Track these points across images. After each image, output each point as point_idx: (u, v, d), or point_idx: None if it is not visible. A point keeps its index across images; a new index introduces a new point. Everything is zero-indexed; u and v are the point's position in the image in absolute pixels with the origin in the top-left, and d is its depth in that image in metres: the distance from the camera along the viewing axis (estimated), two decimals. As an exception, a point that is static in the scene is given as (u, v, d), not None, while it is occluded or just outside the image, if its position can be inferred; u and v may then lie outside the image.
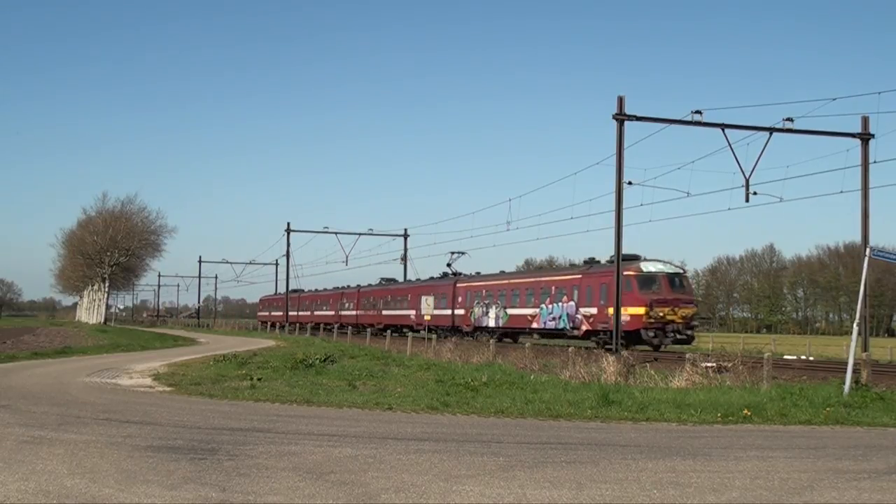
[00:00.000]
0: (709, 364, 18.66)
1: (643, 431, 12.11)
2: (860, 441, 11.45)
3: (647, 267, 34.46)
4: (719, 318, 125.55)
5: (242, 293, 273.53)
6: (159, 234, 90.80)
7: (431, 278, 54.91)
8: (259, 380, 19.29)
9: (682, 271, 36.76)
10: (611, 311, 32.21)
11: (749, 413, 13.52)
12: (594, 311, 35.50)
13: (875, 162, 28.84)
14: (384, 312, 57.98)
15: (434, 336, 41.30)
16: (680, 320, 33.19)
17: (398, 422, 12.74)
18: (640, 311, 32.87)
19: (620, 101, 27.90)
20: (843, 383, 15.86)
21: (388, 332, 45.57)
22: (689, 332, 33.77)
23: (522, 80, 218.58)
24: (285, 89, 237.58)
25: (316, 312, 74.24)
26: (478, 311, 45.17)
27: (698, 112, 28.05)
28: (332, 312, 69.16)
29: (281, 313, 77.97)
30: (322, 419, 12.91)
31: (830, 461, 9.47)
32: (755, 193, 29.00)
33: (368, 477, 8.05)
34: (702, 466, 8.95)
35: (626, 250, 29.20)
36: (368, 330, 48.11)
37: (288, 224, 69.42)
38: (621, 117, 27.78)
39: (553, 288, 39.05)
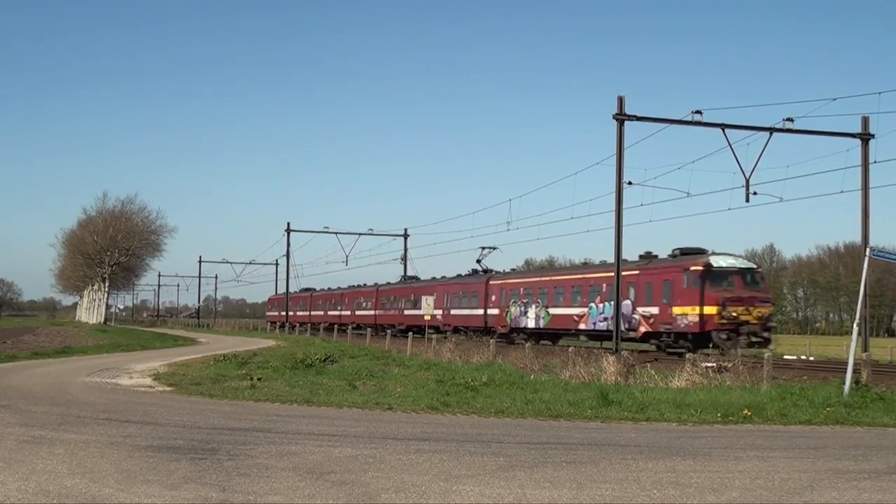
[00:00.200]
0: (709, 364, 18.66)
1: (643, 431, 12.11)
2: (860, 441, 11.45)
3: (718, 261, 31.21)
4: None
5: (242, 293, 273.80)
6: (159, 233, 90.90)
7: (459, 276, 51.77)
8: (259, 380, 19.29)
9: (755, 266, 33.42)
10: (677, 310, 30.55)
11: (749, 413, 13.52)
12: (654, 310, 32.36)
13: (875, 162, 28.82)
14: (406, 312, 54.86)
15: (448, 336, 38.13)
16: (755, 321, 29.81)
17: (398, 422, 12.74)
18: (712, 310, 29.65)
19: (620, 101, 27.89)
20: (844, 383, 15.86)
21: (411, 333, 42.36)
22: (765, 335, 30.20)
23: (522, 80, 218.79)
24: (285, 89, 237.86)
25: (329, 312, 70.98)
26: (515, 310, 41.94)
27: (698, 112, 28.04)
28: (348, 312, 66.11)
29: (291, 313, 76.33)
30: (322, 419, 12.91)
31: (830, 461, 9.47)
32: (755, 193, 28.98)
33: (368, 477, 8.05)
34: (702, 466, 8.95)
35: (626, 250, 29.16)
36: (388, 331, 44.91)
37: (288, 224, 69.42)
38: (621, 117, 27.77)
39: (605, 285, 35.21)
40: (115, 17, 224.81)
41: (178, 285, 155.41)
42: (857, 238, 27.91)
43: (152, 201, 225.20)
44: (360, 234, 68.40)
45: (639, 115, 28.07)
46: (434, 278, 55.56)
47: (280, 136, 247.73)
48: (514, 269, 46.23)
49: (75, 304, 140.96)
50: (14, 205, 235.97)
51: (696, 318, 29.85)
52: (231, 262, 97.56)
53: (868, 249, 16.97)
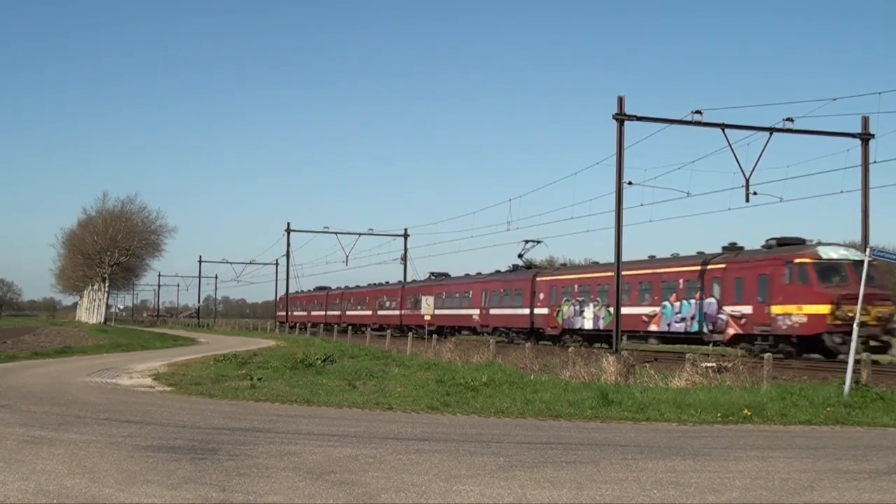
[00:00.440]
0: (709, 364, 18.66)
1: (643, 431, 12.11)
2: (860, 441, 11.45)
3: (828, 252, 27.39)
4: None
5: (242, 293, 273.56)
6: (159, 233, 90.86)
7: (498, 272, 47.47)
8: (259, 380, 19.29)
9: (871, 259, 30.53)
10: (777, 309, 27.06)
11: (749, 413, 13.52)
12: (747, 309, 28.33)
13: (875, 162, 28.84)
14: (437, 312, 49.59)
15: (493, 339, 34.52)
16: (874, 322, 25.26)
17: (398, 422, 12.74)
18: (823, 309, 25.78)
19: (620, 101, 27.91)
20: (844, 383, 15.86)
21: (411, 333, 39.62)
22: (885, 339, 25.96)
23: (522, 80, 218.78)
24: (285, 88, 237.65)
25: (348, 312, 66.63)
26: (568, 310, 37.91)
27: (698, 112, 28.07)
28: (369, 312, 62.17)
29: (305, 313, 73.69)
30: (322, 419, 12.91)
31: (830, 461, 9.47)
32: (755, 193, 29.00)
33: (368, 477, 8.05)
34: (702, 466, 8.95)
35: (625, 250, 29.08)
36: (410, 334, 39.56)
37: (288, 224, 69.46)
38: (621, 117, 27.78)
39: (681, 281, 31.83)
40: (115, 17, 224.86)
41: (178, 285, 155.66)
42: (857, 238, 27.92)
43: (152, 201, 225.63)
44: (360, 234, 68.50)
45: (639, 115, 28.10)
46: (468, 275, 51.80)
47: (280, 136, 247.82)
48: (564, 265, 43.08)
49: (75, 305, 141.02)
50: (14, 205, 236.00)
51: (804, 319, 26.25)
52: (231, 262, 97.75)
53: (868, 249, 16.97)
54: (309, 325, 67.02)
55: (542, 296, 40.39)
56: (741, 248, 30.87)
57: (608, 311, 34.06)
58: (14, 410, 13.21)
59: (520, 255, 46.19)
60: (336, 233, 68.61)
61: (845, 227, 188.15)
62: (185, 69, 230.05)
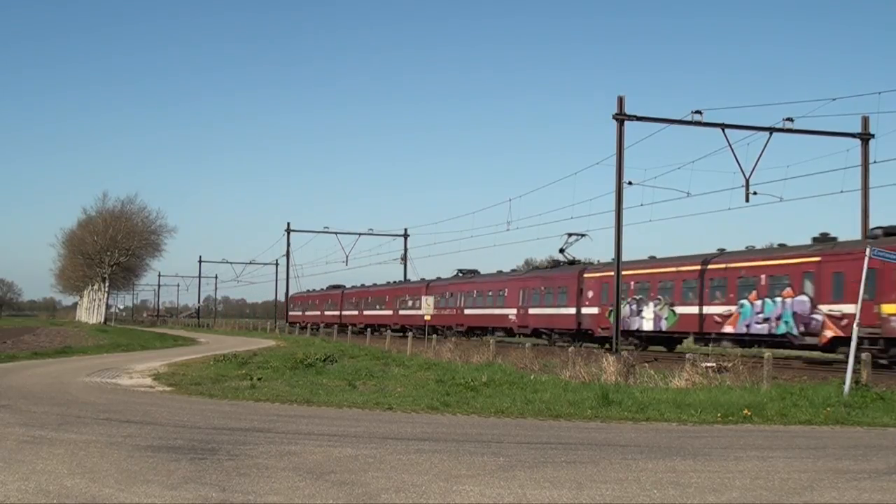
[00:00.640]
0: (709, 364, 18.65)
1: (643, 431, 12.11)
2: (860, 441, 11.45)
3: None
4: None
5: (242, 293, 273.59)
6: (159, 233, 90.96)
7: (535, 268, 45.00)
8: (259, 380, 19.30)
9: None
10: (888, 308, 23.84)
11: (749, 413, 13.52)
12: (849, 308, 24.08)
13: (875, 162, 28.92)
14: (467, 312, 47.78)
15: (527, 341, 33.04)
16: None
17: (398, 422, 12.74)
18: None
19: (620, 101, 27.93)
20: (844, 383, 15.85)
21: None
22: None
23: (522, 79, 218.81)
24: (285, 88, 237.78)
25: (366, 312, 62.99)
26: (623, 309, 33.68)
27: (698, 112, 28.13)
28: (389, 312, 58.43)
29: (318, 313, 70.87)
30: (322, 419, 12.91)
31: (830, 461, 9.47)
32: (755, 193, 29.08)
33: (368, 477, 8.05)
34: (702, 466, 8.95)
35: (625, 250, 29.11)
36: (434, 336, 37.92)
37: (288, 224, 69.57)
38: (621, 117, 27.81)
39: (763, 277, 28.32)
40: (115, 16, 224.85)
41: (178, 285, 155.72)
42: (856, 238, 27.88)
43: (152, 201, 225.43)
44: (360, 234, 68.66)
45: (639, 115, 28.17)
46: (501, 272, 48.72)
47: (280, 136, 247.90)
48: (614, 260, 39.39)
49: (75, 305, 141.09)
50: (14, 205, 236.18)
51: None
52: (231, 262, 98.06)
53: (868, 249, 16.95)
54: (321, 325, 63.22)
55: (590, 294, 36.98)
56: (834, 239, 27.71)
57: (672, 310, 31.79)
58: (14, 410, 13.21)
59: (561, 250, 41.98)
60: (336, 233, 68.81)
61: (845, 227, 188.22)
62: (185, 69, 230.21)
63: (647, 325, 33.53)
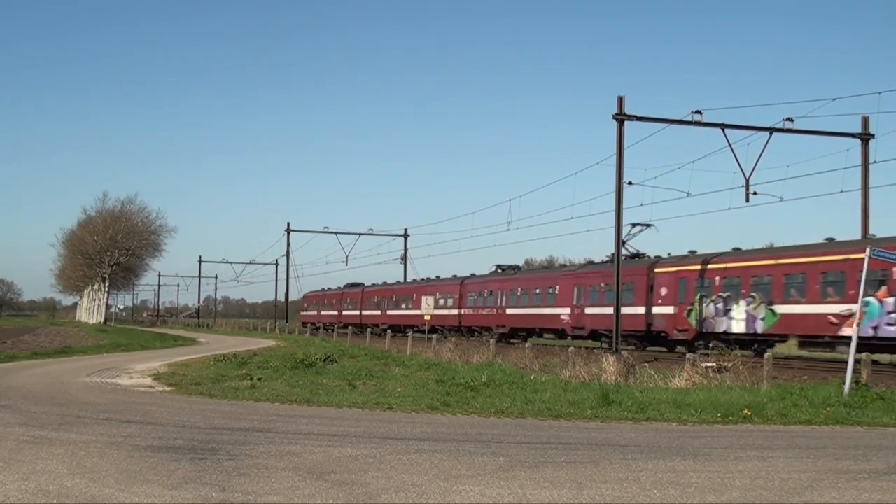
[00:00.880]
0: (709, 364, 18.66)
1: (643, 431, 12.11)
2: (860, 441, 11.45)
3: None
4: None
5: (242, 293, 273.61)
6: (159, 233, 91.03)
7: (591, 262, 40.15)
8: (259, 380, 19.30)
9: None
10: None
11: (749, 413, 13.52)
12: None
13: (875, 162, 28.91)
14: (510, 311, 43.59)
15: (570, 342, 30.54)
16: None
17: (398, 422, 12.74)
18: None
19: (620, 101, 27.94)
20: (844, 383, 15.85)
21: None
22: None
23: (522, 79, 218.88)
24: (285, 88, 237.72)
25: (389, 312, 58.37)
26: (707, 308, 30.39)
27: (698, 112, 28.15)
28: (417, 311, 52.70)
29: (335, 312, 67.45)
30: (322, 419, 12.91)
31: (830, 461, 9.47)
32: (755, 193, 29.08)
33: (368, 477, 8.05)
34: (702, 466, 8.95)
35: (625, 250, 29.06)
36: (466, 337, 35.23)
37: (288, 224, 69.61)
38: (621, 117, 27.81)
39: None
40: (115, 17, 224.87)
41: (178, 285, 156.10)
42: (857, 238, 27.88)
43: (152, 201, 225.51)
44: (360, 234, 68.73)
45: (639, 115, 28.17)
46: (547, 267, 46.78)
47: (280, 136, 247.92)
48: (692, 252, 33.33)
49: (75, 305, 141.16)
50: (14, 205, 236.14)
51: None
52: (231, 262, 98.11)
53: (868, 249, 16.96)
54: (336, 326, 58.12)
55: (663, 291, 32.93)
56: None
57: (770, 310, 27.64)
58: (14, 410, 13.21)
59: (623, 243, 36.61)
60: (336, 233, 68.89)
61: (845, 226, 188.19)
62: (184, 69, 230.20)
63: (739, 327, 29.05)
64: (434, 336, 37.47)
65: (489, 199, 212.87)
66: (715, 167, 75.38)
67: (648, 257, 36.20)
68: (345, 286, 68.89)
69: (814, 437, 11.76)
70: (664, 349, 32.45)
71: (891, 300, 24.12)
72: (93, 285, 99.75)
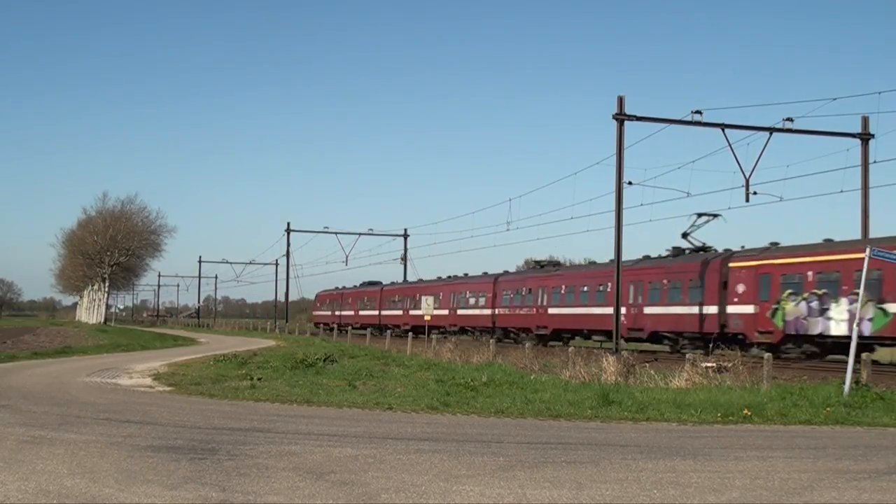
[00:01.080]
0: (709, 364, 18.66)
1: (643, 431, 12.11)
2: (860, 441, 11.45)
3: None
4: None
5: (242, 293, 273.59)
6: (159, 233, 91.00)
7: (647, 257, 36.20)
8: (259, 380, 19.30)
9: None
10: None
11: (749, 413, 13.52)
12: None
13: (875, 162, 28.90)
14: (552, 311, 40.02)
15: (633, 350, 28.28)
16: None
17: (398, 422, 12.74)
18: None
19: (620, 101, 27.94)
20: (844, 383, 15.85)
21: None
22: None
23: (522, 79, 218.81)
24: (285, 88, 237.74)
25: (412, 312, 54.14)
26: (796, 307, 26.95)
27: (698, 112, 28.14)
28: (445, 312, 49.61)
29: (352, 312, 65.08)
30: (322, 419, 12.91)
31: (830, 461, 9.47)
32: (755, 193, 29.06)
33: (368, 477, 8.05)
34: (702, 466, 8.95)
35: (625, 250, 28.98)
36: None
37: (288, 224, 69.57)
38: (621, 117, 27.81)
39: None
40: (114, 16, 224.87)
41: (178, 285, 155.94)
42: (857, 237, 27.87)
43: (152, 201, 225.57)
44: (360, 234, 68.64)
45: (639, 115, 28.17)
46: (593, 263, 41.74)
47: (280, 136, 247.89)
48: (773, 244, 29.66)
49: (75, 305, 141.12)
50: (14, 205, 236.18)
51: None
52: (231, 262, 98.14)
53: (868, 249, 16.95)
54: (351, 326, 55.06)
55: (740, 288, 29.37)
56: None
57: (879, 308, 24.19)
58: (14, 410, 13.21)
59: (684, 235, 34.23)
60: (336, 233, 68.83)
61: (845, 226, 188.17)
62: (184, 69, 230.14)
63: (838, 329, 25.59)
64: (434, 336, 36.24)
65: (489, 199, 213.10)
66: (715, 167, 75.56)
67: (715, 251, 32.50)
68: (361, 284, 66.95)
69: (814, 437, 11.76)
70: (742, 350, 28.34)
71: None
72: (93, 285, 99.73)
